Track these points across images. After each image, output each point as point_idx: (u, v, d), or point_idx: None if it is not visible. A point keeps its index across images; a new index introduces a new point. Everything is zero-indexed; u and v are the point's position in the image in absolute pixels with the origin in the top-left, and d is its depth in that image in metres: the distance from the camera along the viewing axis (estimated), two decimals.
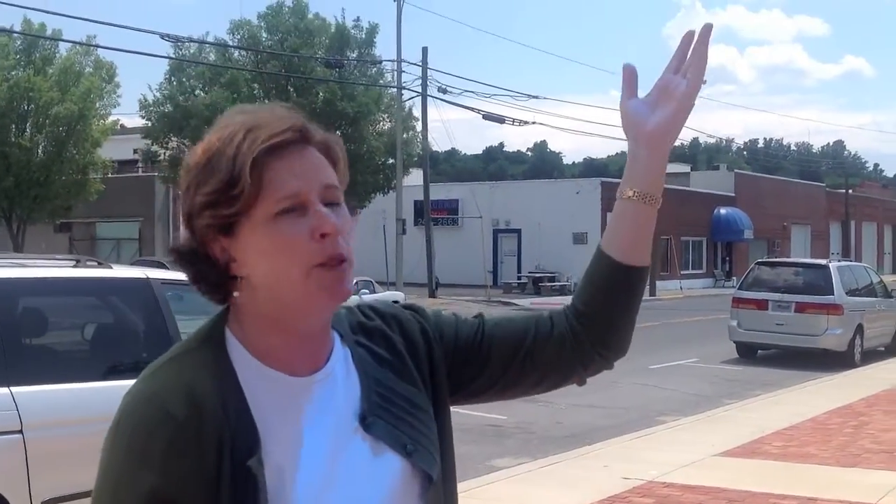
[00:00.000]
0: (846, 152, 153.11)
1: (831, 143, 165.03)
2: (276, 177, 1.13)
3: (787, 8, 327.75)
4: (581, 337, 1.36)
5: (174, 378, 1.15)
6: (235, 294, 1.19)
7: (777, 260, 18.78)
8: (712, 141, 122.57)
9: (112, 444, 1.13)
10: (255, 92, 30.53)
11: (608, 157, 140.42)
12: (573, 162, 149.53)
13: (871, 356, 16.96)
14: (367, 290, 21.41)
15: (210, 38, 30.51)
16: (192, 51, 30.44)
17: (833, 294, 16.27)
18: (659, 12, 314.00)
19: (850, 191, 63.21)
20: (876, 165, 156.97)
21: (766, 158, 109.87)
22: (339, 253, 1.14)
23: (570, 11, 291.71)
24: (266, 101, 29.85)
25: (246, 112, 1.18)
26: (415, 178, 35.77)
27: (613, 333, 1.37)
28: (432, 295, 32.28)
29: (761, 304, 16.75)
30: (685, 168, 56.99)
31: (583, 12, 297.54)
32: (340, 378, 1.23)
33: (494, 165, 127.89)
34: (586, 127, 75.21)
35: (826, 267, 17.12)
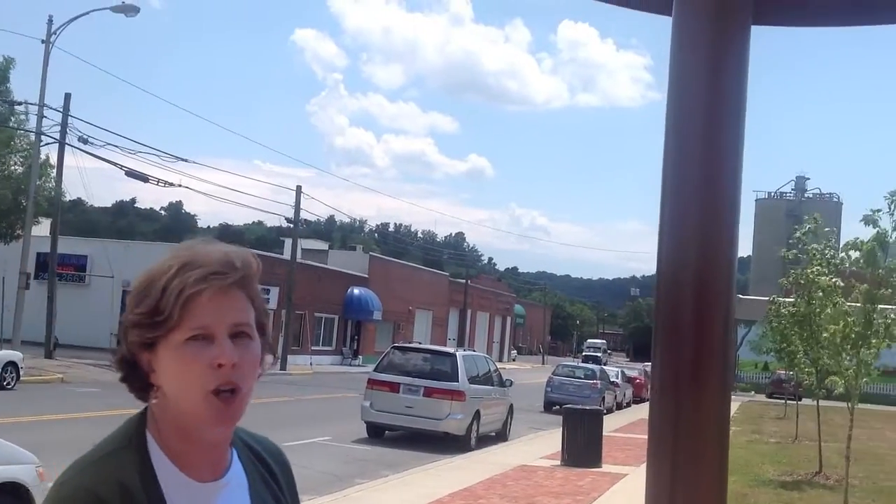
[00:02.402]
0: (466, 244, 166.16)
1: (453, 235, 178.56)
2: (195, 310, 1.33)
3: (423, 103, 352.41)
4: None
5: (107, 475, 1.31)
6: (153, 400, 1.38)
7: (410, 345, 19.85)
8: (347, 220, 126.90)
9: None
10: None
11: (245, 224, 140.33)
12: (208, 226, 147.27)
13: (484, 440, 18.43)
14: None
15: None
16: None
17: (458, 381, 17.55)
18: (304, 89, 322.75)
19: (469, 282, 68.47)
20: (490, 259, 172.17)
21: (396, 242, 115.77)
22: (231, 382, 1.33)
23: (223, 79, 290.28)
24: None
25: (190, 248, 1.39)
26: (38, 228, 33.24)
27: None
28: (49, 356, 29.90)
29: (394, 387, 17.59)
30: (324, 245, 58.52)
31: (236, 81, 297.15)
32: (237, 489, 1.44)
33: (124, 221, 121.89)
34: (226, 193, 74.67)
35: (453, 355, 18.42)
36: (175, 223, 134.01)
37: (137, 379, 1.38)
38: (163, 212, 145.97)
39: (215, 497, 1.39)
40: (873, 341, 10.98)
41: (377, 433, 18.03)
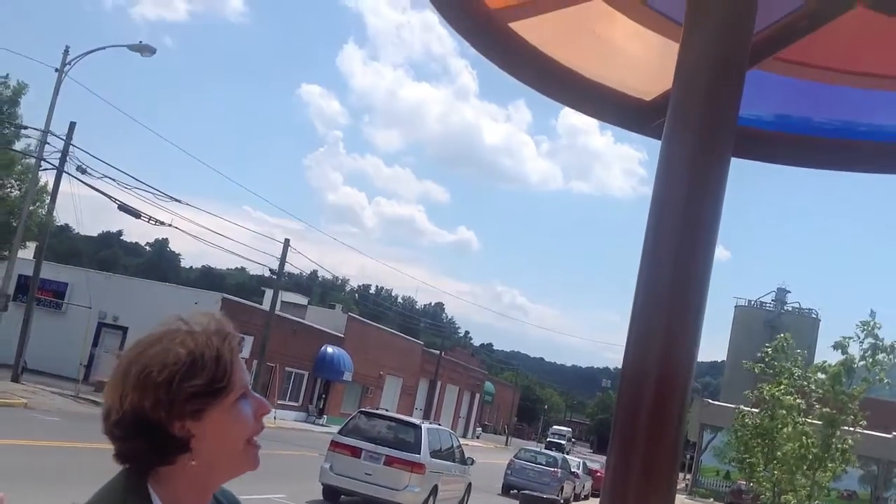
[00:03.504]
0: (444, 315, 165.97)
1: (433, 304, 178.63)
2: (239, 372, 1.50)
3: (418, 171, 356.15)
4: None
5: None
6: (192, 462, 1.46)
7: (377, 412, 19.82)
8: (329, 277, 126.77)
9: None
10: None
11: (227, 269, 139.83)
12: (191, 266, 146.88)
13: None
14: None
15: None
16: None
17: (420, 453, 17.52)
18: (304, 143, 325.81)
19: (443, 353, 68.25)
20: (467, 333, 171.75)
21: (374, 305, 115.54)
22: (264, 427, 1.55)
23: (224, 122, 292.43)
24: None
25: (211, 320, 1.52)
26: (22, 252, 33.20)
27: None
28: (16, 380, 29.64)
29: (355, 452, 17.52)
30: (304, 300, 58.45)
31: (236, 126, 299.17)
32: None
33: (108, 252, 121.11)
34: (213, 236, 74.72)
35: (419, 426, 18.39)
36: (159, 260, 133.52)
37: (158, 450, 1.44)
38: (148, 247, 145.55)
39: None
40: (829, 465, 11.16)
41: (333, 497, 17.90)
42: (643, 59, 3.20)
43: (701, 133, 2.17)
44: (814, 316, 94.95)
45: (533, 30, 2.97)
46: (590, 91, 3.17)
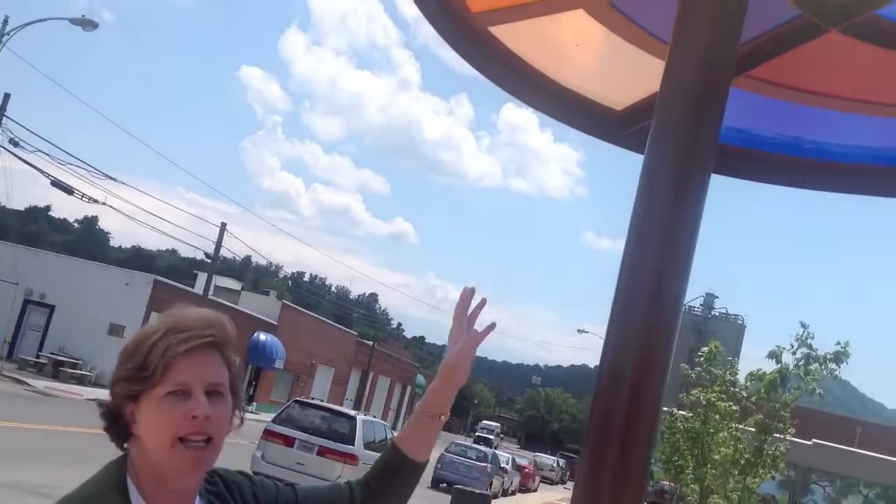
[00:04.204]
0: (378, 306, 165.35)
1: (367, 294, 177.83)
2: (176, 368, 1.52)
3: (357, 160, 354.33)
4: None
5: None
6: (135, 448, 1.55)
7: (312, 402, 19.63)
8: (263, 263, 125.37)
9: None
10: None
11: (158, 250, 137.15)
12: (120, 246, 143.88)
13: None
14: None
15: None
16: None
17: (354, 444, 17.44)
18: (241, 125, 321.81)
19: (376, 345, 68.00)
20: (399, 324, 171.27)
21: (308, 293, 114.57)
22: (204, 432, 1.52)
23: (159, 98, 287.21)
24: None
25: (175, 314, 1.59)
26: None
27: None
28: None
29: (288, 441, 17.36)
30: (237, 285, 57.64)
31: (172, 104, 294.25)
32: None
33: (35, 227, 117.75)
34: (144, 216, 73.25)
35: (354, 418, 18.30)
36: (87, 238, 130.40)
37: (119, 429, 1.56)
38: (76, 224, 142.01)
39: None
40: (760, 470, 11.47)
41: None
42: (615, 70, 3.23)
43: (684, 146, 2.19)
44: (740, 323, 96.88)
45: (511, 34, 2.97)
46: (561, 97, 3.19)
